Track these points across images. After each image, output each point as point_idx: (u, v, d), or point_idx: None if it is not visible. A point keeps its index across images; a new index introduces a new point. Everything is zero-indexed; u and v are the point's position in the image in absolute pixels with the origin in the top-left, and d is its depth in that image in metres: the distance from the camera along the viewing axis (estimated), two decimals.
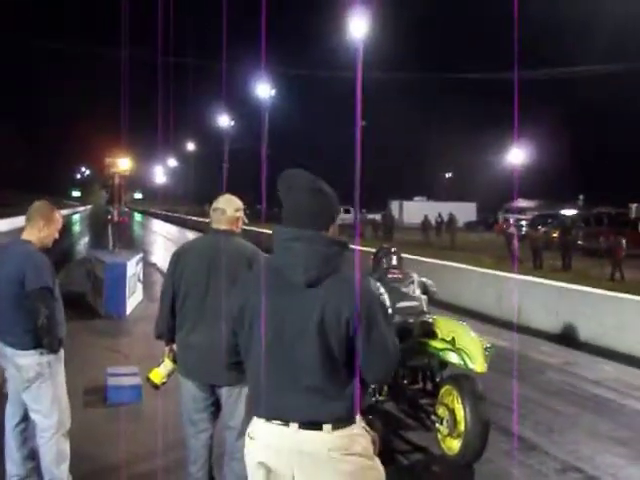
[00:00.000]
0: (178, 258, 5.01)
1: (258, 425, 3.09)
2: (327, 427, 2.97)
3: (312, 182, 3.20)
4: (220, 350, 4.73)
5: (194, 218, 68.41)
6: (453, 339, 6.58)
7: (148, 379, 5.16)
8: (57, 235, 5.37)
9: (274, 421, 3.02)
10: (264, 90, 63.57)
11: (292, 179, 3.21)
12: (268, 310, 3.05)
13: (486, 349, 6.54)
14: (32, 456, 5.33)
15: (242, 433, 4.91)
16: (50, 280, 5.04)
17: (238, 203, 5.08)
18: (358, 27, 40.15)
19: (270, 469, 3.03)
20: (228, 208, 4.98)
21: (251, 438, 3.12)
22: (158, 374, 5.10)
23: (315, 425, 2.97)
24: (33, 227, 5.19)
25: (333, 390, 2.98)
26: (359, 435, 3.06)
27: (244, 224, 5.16)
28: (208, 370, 4.77)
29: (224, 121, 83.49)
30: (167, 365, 5.09)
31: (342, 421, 3.00)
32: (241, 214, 5.06)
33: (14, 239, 5.43)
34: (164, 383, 5.14)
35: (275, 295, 3.05)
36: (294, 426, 2.98)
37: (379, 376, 3.25)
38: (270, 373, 3.03)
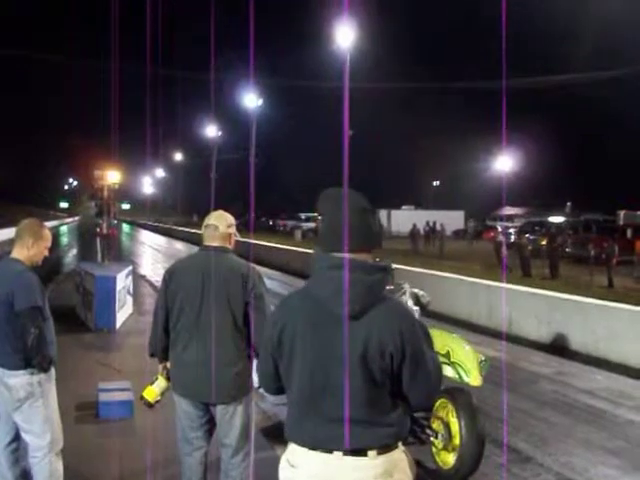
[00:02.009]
0: (171, 276, 4.96)
1: (300, 453, 2.99)
2: (372, 453, 2.91)
3: (363, 201, 3.09)
4: (214, 368, 4.71)
5: (183, 229, 68.48)
6: (448, 352, 6.55)
7: (142, 397, 5.14)
8: (47, 252, 5.32)
9: (318, 450, 2.94)
10: (251, 100, 63.52)
11: (340, 197, 3.07)
12: (309, 341, 2.98)
13: (481, 362, 6.53)
14: (24, 475, 5.28)
15: (237, 450, 4.91)
16: (40, 299, 4.99)
17: (230, 219, 5.05)
18: (345, 36, 40.24)
19: None
20: (220, 224, 4.94)
21: (292, 466, 3.02)
22: (152, 392, 5.08)
23: (360, 452, 2.91)
24: (22, 245, 5.13)
25: (378, 418, 2.93)
26: (401, 459, 3.02)
27: (236, 237, 5.12)
28: (202, 388, 4.74)
29: (212, 131, 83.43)
30: (161, 383, 5.07)
31: (387, 446, 2.95)
32: (233, 230, 5.03)
33: (3, 258, 5.39)
34: (158, 401, 5.13)
35: (316, 326, 2.97)
36: (338, 454, 2.91)
37: (423, 402, 3.16)
38: (312, 403, 2.96)
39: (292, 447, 3.05)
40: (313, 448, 2.96)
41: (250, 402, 4.99)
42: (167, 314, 4.90)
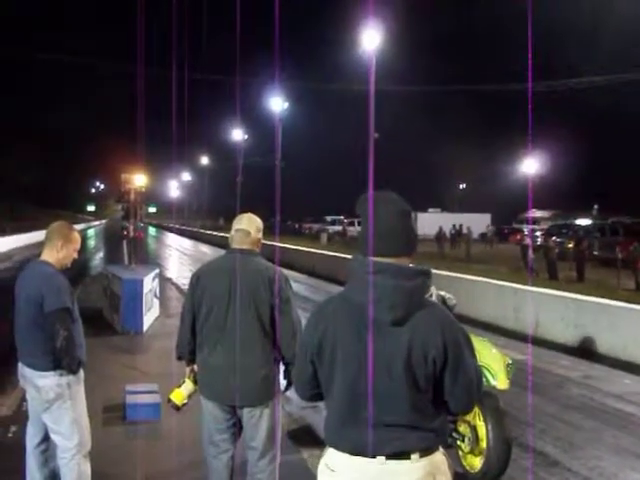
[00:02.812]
0: (198, 279, 4.96)
1: (340, 458, 2.96)
2: (415, 456, 2.89)
3: (404, 204, 3.06)
4: (241, 371, 4.71)
5: (209, 232, 68.73)
6: (475, 357, 6.51)
7: (169, 400, 5.13)
8: (76, 255, 5.36)
9: (360, 455, 2.91)
10: (277, 103, 63.66)
11: (380, 201, 3.02)
12: (350, 347, 2.95)
13: (508, 365, 6.49)
14: (53, 477, 5.31)
15: (264, 454, 4.90)
16: (69, 301, 5.02)
17: (260, 223, 5.04)
18: (370, 40, 40.27)
19: None
20: (251, 229, 4.93)
21: (332, 470, 2.99)
22: (179, 395, 5.08)
23: (403, 455, 2.89)
24: (52, 248, 5.17)
25: (421, 423, 2.90)
26: (442, 462, 3.00)
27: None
28: (229, 391, 4.74)
29: (238, 135, 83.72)
30: (188, 386, 5.07)
31: (429, 449, 2.93)
32: (262, 233, 5.04)
33: (33, 260, 5.43)
34: (185, 404, 5.12)
35: (357, 332, 2.93)
36: (381, 459, 2.88)
37: (463, 407, 3.13)
38: (354, 409, 2.94)
39: (331, 452, 3.02)
40: (355, 453, 2.93)
41: (277, 405, 4.97)
42: (194, 317, 4.92)
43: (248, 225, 4.96)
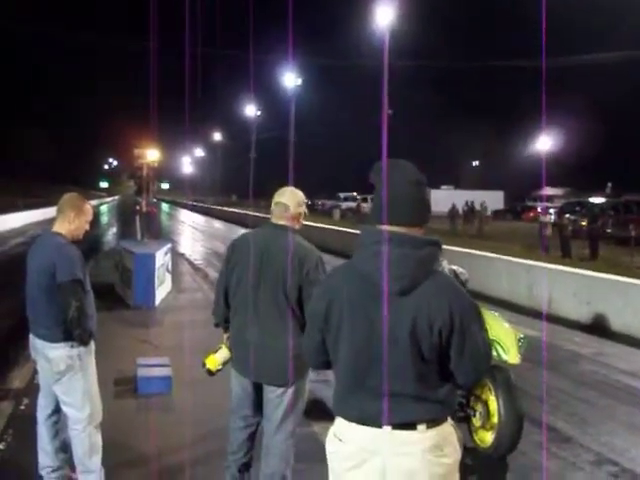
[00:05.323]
0: (233, 250, 4.91)
1: (347, 428, 2.96)
2: (421, 427, 2.87)
3: (418, 173, 3.02)
4: (268, 350, 4.66)
5: (222, 208, 68.88)
6: (486, 330, 6.46)
7: (204, 365, 5.01)
8: (87, 227, 5.34)
9: (366, 425, 2.91)
10: (291, 79, 63.41)
11: (394, 168, 3.00)
12: (357, 316, 2.93)
13: (519, 340, 6.45)
14: (64, 448, 5.34)
15: (281, 429, 4.81)
16: (81, 272, 5.01)
17: (301, 197, 4.91)
18: (385, 15, 39.99)
19: (363, 471, 2.92)
20: (291, 204, 4.80)
21: (340, 440, 2.99)
22: (214, 360, 4.98)
23: (409, 426, 2.87)
24: (63, 219, 5.15)
25: (427, 393, 2.88)
26: (450, 433, 2.98)
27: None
28: (253, 369, 4.70)
29: (251, 111, 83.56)
30: (224, 352, 4.97)
31: (436, 420, 2.91)
32: (303, 208, 4.92)
33: (45, 231, 5.42)
34: (219, 370, 5.01)
35: (364, 301, 2.92)
36: (387, 428, 2.87)
37: (471, 379, 3.07)
38: (360, 378, 2.93)
39: (339, 421, 3.02)
40: (362, 423, 2.92)
41: (304, 385, 4.88)
42: (227, 287, 4.88)
43: (289, 199, 4.83)
